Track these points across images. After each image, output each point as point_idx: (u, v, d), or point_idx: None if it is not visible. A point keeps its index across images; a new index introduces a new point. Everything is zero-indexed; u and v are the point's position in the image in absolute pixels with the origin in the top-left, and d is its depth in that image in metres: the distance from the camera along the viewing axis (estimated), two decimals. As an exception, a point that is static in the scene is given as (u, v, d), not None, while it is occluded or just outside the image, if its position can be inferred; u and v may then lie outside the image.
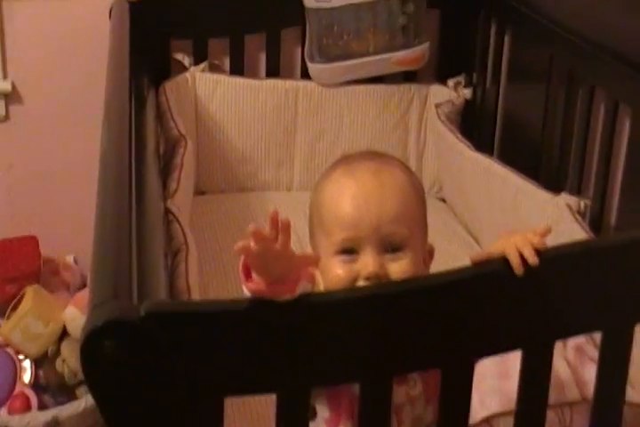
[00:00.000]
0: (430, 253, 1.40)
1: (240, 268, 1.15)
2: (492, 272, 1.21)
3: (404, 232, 1.32)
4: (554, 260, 1.22)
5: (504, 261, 1.19)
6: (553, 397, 1.53)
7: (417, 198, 1.38)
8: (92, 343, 1.05)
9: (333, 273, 1.32)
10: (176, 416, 1.12)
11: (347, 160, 1.42)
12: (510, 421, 1.30)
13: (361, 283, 1.30)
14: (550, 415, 1.42)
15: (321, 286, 1.36)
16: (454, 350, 1.22)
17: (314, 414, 1.33)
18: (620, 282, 1.28)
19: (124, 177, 1.52)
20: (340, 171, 1.38)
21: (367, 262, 1.30)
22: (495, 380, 1.67)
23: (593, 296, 1.27)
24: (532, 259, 1.17)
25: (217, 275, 2.25)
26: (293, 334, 1.13)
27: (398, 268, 1.31)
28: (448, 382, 1.22)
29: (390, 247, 1.32)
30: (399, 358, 1.20)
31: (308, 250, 2.29)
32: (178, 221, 1.95)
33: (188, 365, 1.09)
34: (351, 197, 1.33)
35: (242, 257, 1.12)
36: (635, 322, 1.31)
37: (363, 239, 1.31)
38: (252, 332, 1.12)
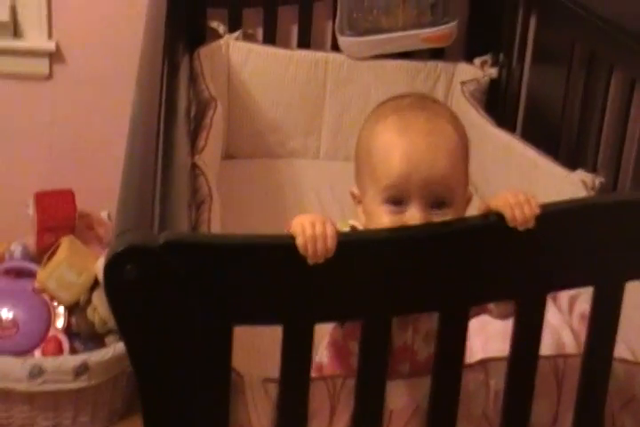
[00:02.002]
0: (468, 201, 1.43)
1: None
2: (488, 224, 1.27)
3: (451, 191, 1.36)
4: (550, 216, 1.27)
5: (500, 215, 1.26)
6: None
7: (463, 155, 1.40)
8: (114, 267, 1.13)
9: (380, 221, 1.35)
10: (188, 338, 1.19)
11: (398, 106, 1.42)
12: (504, 366, 1.37)
13: None
14: (544, 365, 1.47)
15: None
16: (451, 296, 1.29)
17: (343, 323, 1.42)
18: (613, 240, 1.33)
19: (151, 132, 1.57)
20: (393, 120, 1.39)
21: (415, 215, 1.34)
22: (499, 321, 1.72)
23: (587, 252, 1.32)
24: (532, 223, 1.25)
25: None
26: (303, 272, 1.19)
27: None
28: (445, 326, 1.29)
29: (436, 204, 1.36)
30: (400, 300, 1.27)
31: (332, 212, 2.34)
32: (204, 175, 2.00)
33: (201, 291, 1.17)
34: (404, 155, 1.35)
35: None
36: (625, 279, 1.36)
37: (411, 192, 1.34)
38: (263, 266, 1.19)
